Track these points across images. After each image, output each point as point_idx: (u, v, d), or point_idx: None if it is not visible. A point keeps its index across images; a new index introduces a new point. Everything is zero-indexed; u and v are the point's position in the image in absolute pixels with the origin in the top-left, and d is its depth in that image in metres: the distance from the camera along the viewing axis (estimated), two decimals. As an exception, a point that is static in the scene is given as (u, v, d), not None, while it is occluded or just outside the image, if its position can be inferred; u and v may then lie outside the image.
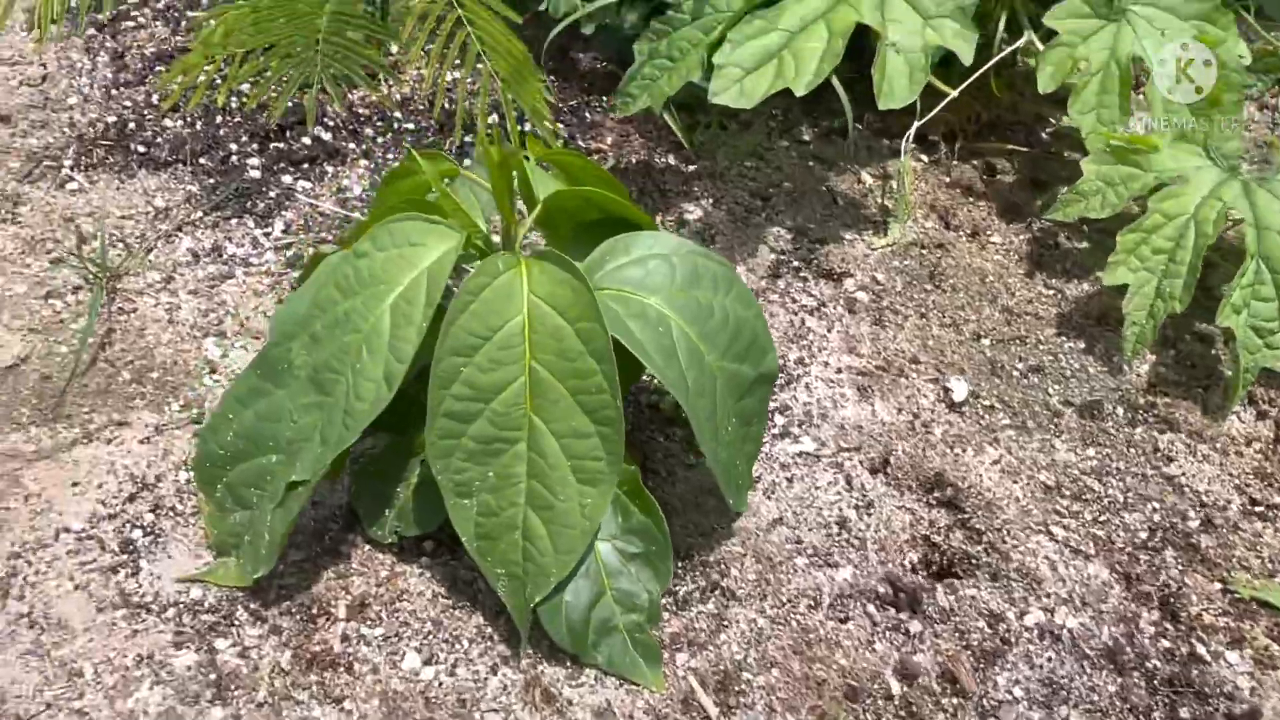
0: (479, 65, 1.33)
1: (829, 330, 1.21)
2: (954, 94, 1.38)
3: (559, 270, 0.80)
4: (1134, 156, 1.22)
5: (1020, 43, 1.40)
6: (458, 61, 1.32)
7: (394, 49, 1.64)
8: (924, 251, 1.34)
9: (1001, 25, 1.42)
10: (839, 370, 1.15)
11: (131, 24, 1.86)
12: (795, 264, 1.32)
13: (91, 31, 1.84)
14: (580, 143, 1.48)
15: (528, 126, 1.44)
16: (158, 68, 1.68)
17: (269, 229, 1.32)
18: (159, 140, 1.45)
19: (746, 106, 1.16)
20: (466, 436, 0.80)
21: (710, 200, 1.42)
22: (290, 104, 1.36)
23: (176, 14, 1.87)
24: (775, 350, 0.91)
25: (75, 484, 1.00)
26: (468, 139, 1.47)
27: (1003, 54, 1.39)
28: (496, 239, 0.92)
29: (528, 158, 0.95)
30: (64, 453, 1.04)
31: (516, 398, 0.80)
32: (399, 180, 0.98)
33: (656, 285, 0.85)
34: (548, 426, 0.80)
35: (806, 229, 1.38)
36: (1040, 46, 1.38)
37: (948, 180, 1.48)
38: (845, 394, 1.12)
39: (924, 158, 1.52)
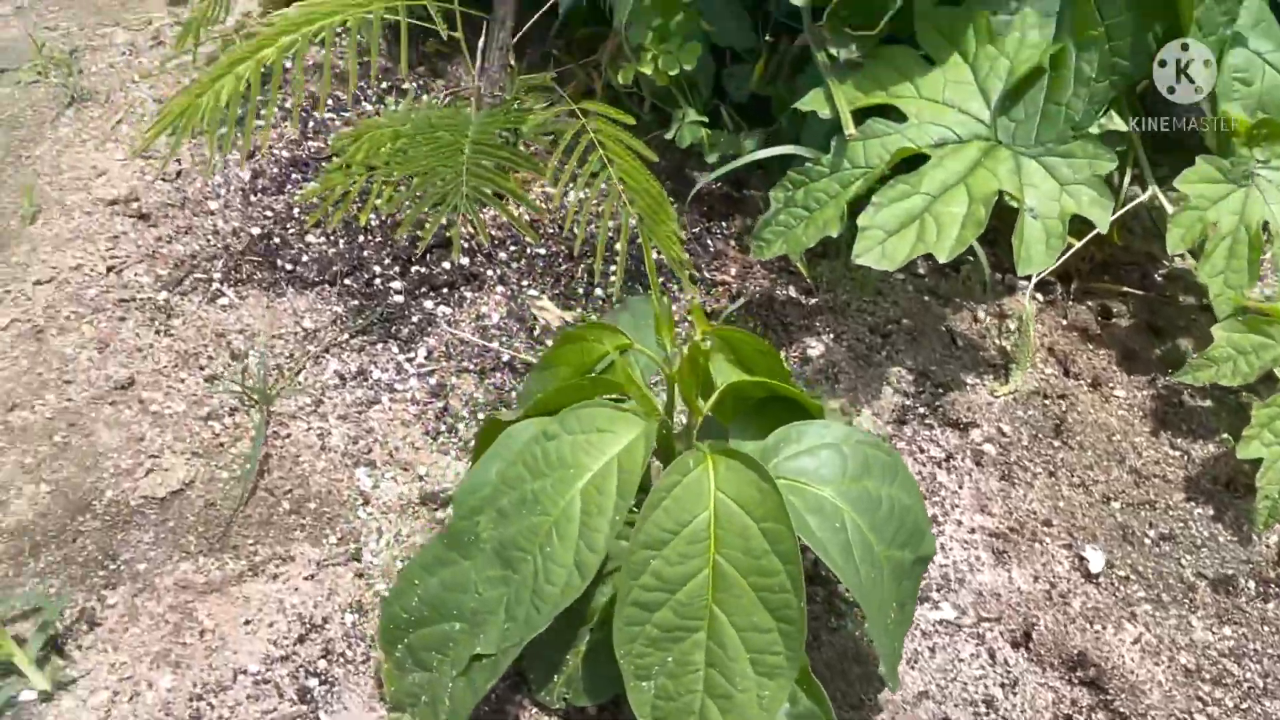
0: (611, 192, 1.38)
1: (959, 486, 1.23)
2: (1078, 245, 1.41)
3: (746, 470, 0.84)
4: (1265, 326, 1.24)
5: (1144, 197, 1.43)
6: (589, 186, 1.38)
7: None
8: (1046, 401, 1.37)
9: (1127, 179, 1.45)
10: (972, 530, 1.18)
11: (260, 122, 1.94)
12: (921, 410, 1.35)
13: (222, 129, 1.92)
14: (705, 273, 1.53)
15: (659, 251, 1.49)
16: (293, 174, 1.75)
17: (412, 354, 1.37)
18: (305, 259, 1.51)
19: (889, 269, 1.20)
20: (650, 624, 0.84)
21: (832, 335, 1.46)
22: (428, 225, 1.42)
23: (304, 113, 1.95)
24: (933, 533, 0.94)
25: (247, 621, 1.05)
26: (590, 258, 1.52)
27: (1127, 208, 1.42)
28: (674, 414, 0.96)
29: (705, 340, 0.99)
30: (233, 586, 1.09)
31: (700, 589, 0.83)
32: (570, 345, 1.02)
33: (829, 476, 0.88)
34: (728, 619, 0.83)
35: (928, 370, 1.41)
36: (1164, 199, 1.41)
37: (1064, 322, 1.51)
38: (981, 557, 1.15)
39: (1039, 297, 1.55)
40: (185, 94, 1.48)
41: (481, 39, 1.61)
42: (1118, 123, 1.45)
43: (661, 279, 1.50)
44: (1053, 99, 1.29)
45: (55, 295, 1.54)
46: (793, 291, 1.53)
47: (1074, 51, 1.28)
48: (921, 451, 1.28)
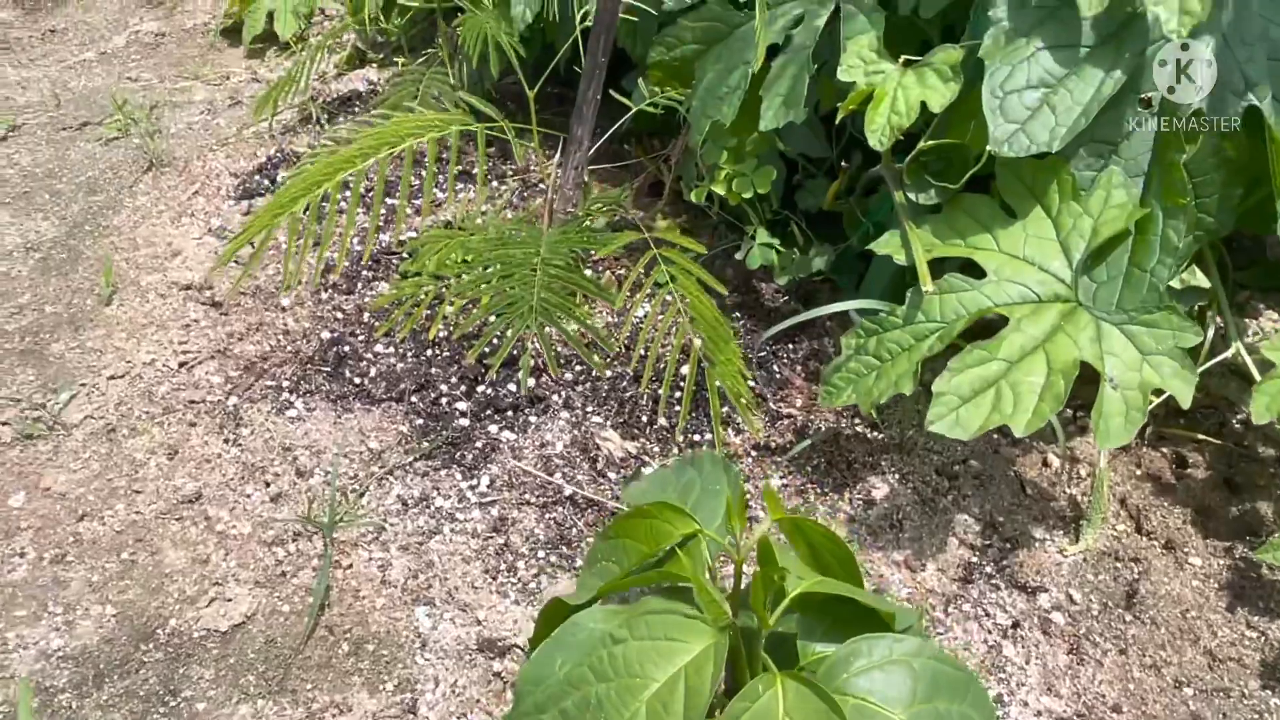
0: (681, 326, 1.37)
1: (1026, 661, 1.20)
2: (1156, 401, 1.37)
3: (815, 698, 0.82)
4: (1354, 510, 1.19)
5: (1228, 354, 1.40)
6: (657, 311, 1.37)
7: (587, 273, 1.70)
8: (1118, 565, 1.33)
9: (1209, 334, 1.41)
10: (1039, 715, 1.15)
11: (327, 203, 1.97)
12: (987, 568, 1.32)
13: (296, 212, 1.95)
14: (771, 404, 1.52)
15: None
16: (364, 272, 1.77)
17: (475, 482, 1.38)
18: (373, 373, 1.53)
19: (963, 439, 1.18)
20: (713, 847, 0.82)
21: (897, 476, 1.44)
22: (490, 346, 1.42)
23: (368, 196, 1.97)
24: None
25: (303, 779, 1.06)
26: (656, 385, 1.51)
27: (1209, 364, 1.39)
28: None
29: (776, 535, 0.98)
30: (290, 736, 1.09)
31: (764, 817, 0.82)
32: (639, 520, 1.01)
33: (898, 697, 0.86)
34: (792, 847, 0.82)
35: (996, 522, 1.38)
36: (1248, 359, 1.37)
37: (1138, 471, 1.47)
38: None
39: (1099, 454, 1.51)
40: (265, 213, 1.50)
41: (557, 156, 1.61)
42: (1200, 279, 1.42)
43: (726, 408, 1.49)
44: (1137, 263, 1.26)
45: (128, 391, 1.57)
46: (859, 426, 1.51)
47: (1161, 217, 1.25)
48: (987, 616, 1.26)
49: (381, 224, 1.90)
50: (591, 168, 1.64)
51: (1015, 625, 1.25)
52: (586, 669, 0.88)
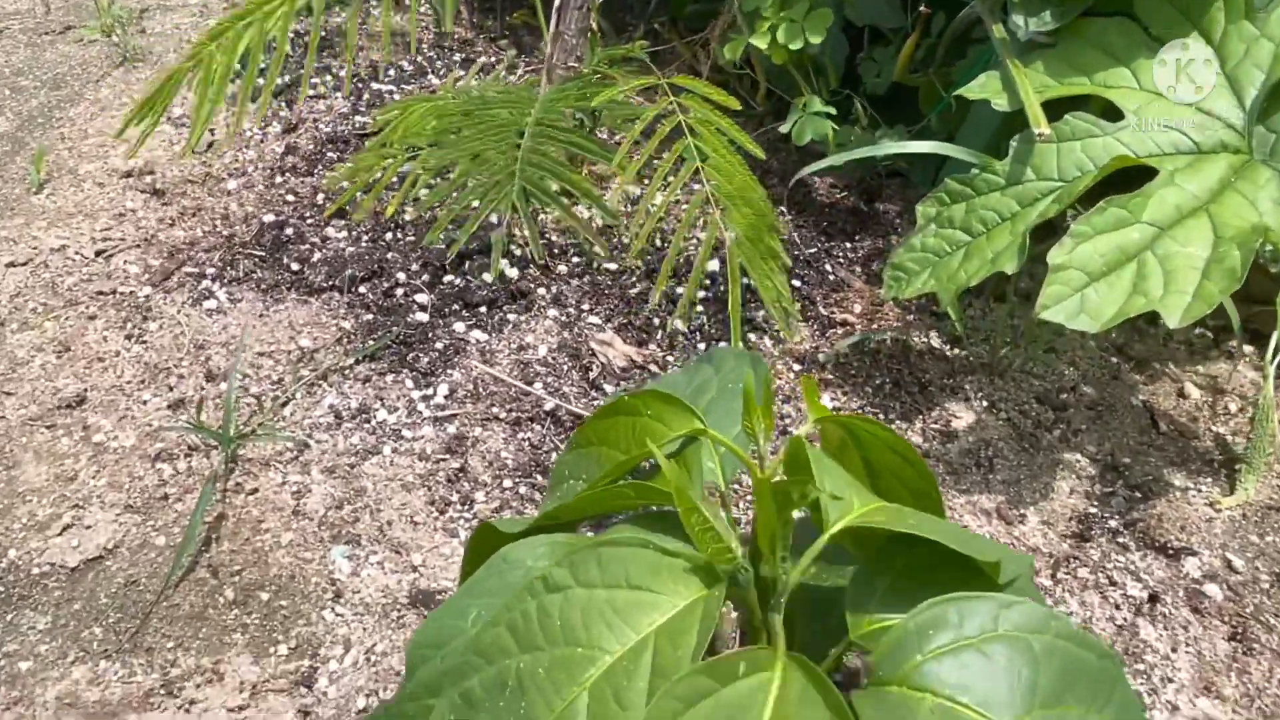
0: (699, 196, 1.04)
1: (1173, 649, 0.85)
2: (1347, 306, 1.01)
3: (824, 705, 0.49)
4: None
5: None
6: (668, 186, 1.04)
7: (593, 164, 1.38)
8: (1292, 523, 0.97)
9: None
10: (1195, 723, 0.80)
11: (311, 92, 1.67)
12: (1111, 523, 0.97)
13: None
14: (822, 309, 1.17)
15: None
16: (329, 153, 1.46)
17: (430, 392, 1.06)
18: (316, 258, 1.21)
19: (1089, 330, 0.83)
20: None
21: (985, 403, 1.09)
22: (453, 225, 1.10)
23: (359, 84, 1.67)
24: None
25: (136, 774, 0.75)
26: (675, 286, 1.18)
27: None
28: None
29: (810, 439, 0.65)
30: (131, 712, 0.79)
31: None
32: (620, 419, 0.69)
33: (1004, 697, 0.52)
34: None
35: (1120, 464, 1.03)
36: None
37: (1307, 407, 1.11)
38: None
39: (1256, 363, 1.15)
40: (194, 52, 1.19)
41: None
42: None
43: (763, 315, 1.15)
44: (1342, 99, 0.90)
45: (28, 281, 1.28)
46: (935, 340, 1.16)
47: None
48: (1114, 585, 0.91)
49: (355, 98, 1.59)
50: (606, 49, 1.31)
51: (1154, 599, 0.90)
52: (505, 630, 0.55)
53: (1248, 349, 1.16)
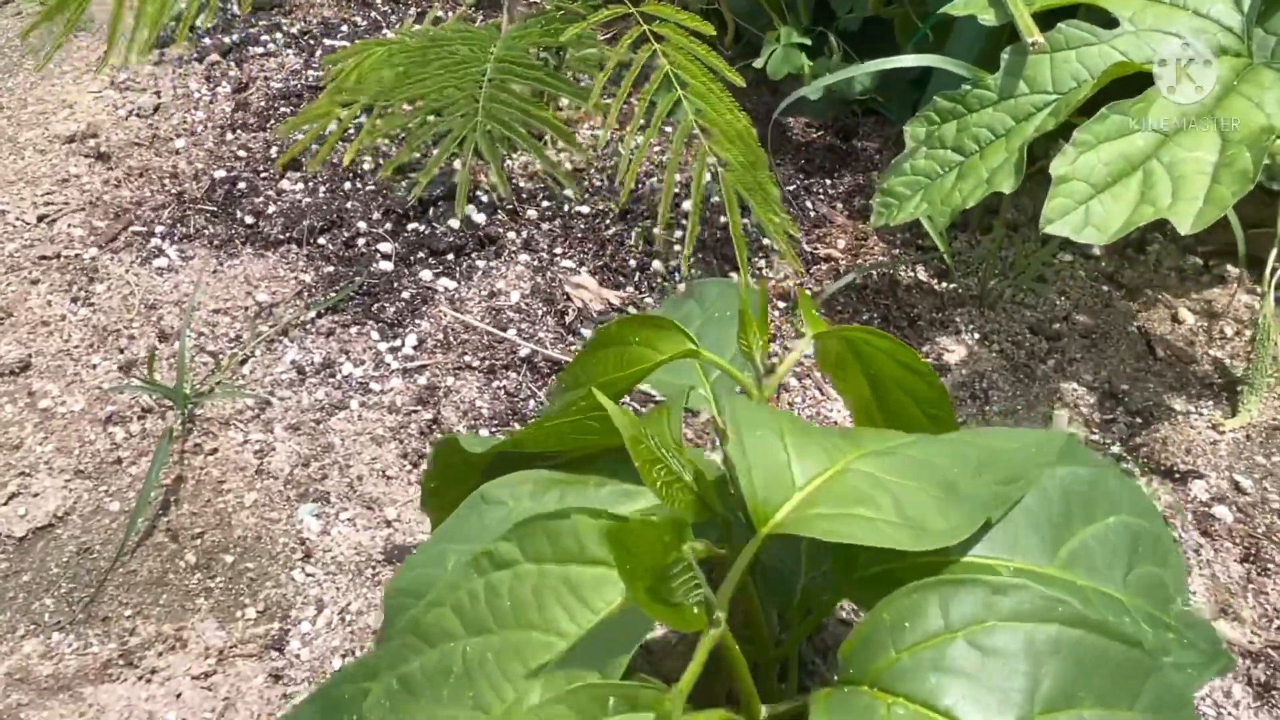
0: (681, 127, 0.99)
1: (1186, 573, 0.82)
2: (1347, 219, 0.98)
3: None
4: None
5: None
6: (648, 121, 0.99)
7: (564, 103, 1.32)
8: (1298, 443, 0.94)
9: None
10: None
11: (259, 50, 1.59)
12: (1114, 449, 0.93)
13: (215, 57, 1.58)
14: (804, 246, 1.13)
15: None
16: (282, 108, 1.40)
17: (397, 343, 1.00)
18: (271, 210, 1.15)
19: (1097, 243, 0.79)
20: None
21: (977, 335, 1.05)
22: (437, 172, 1.04)
23: (311, 41, 1.60)
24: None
25: (94, 749, 0.69)
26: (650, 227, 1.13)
27: None
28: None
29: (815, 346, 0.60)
30: (88, 685, 0.73)
31: None
32: (604, 351, 0.64)
33: (992, 700, 0.45)
34: None
35: (1118, 391, 0.99)
36: None
37: (1304, 327, 1.08)
38: (1233, 695, 0.74)
39: (1257, 289, 1.12)
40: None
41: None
42: None
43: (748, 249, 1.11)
44: (1344, -3, 0.86)
45: (-35, 249, 1.20)
46: (923, 274, 1.12)
47: (1383, -76, 0.85)
48: (1120, 513, 0.87)
49: (307, 54, 1.52)
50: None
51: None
52: (449, 612, 0.50)
53: (1235, 270, 1.13)
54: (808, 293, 1.06)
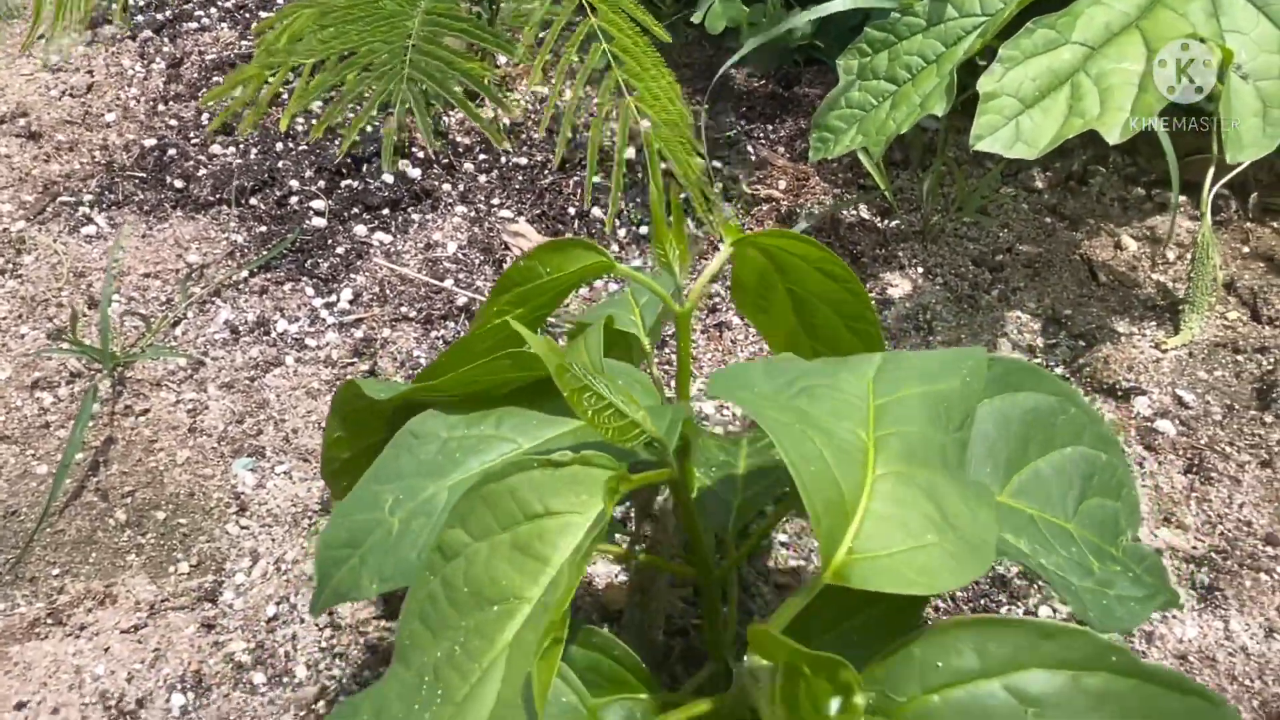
0: (607, 81, 0.98)
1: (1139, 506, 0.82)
2: None
3: None
4: None
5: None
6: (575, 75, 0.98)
7: (501, 60, 1.30)
8: (1239, 358, 0.94)
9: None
10: (1158, 553, 0.77)
11: (194, 25, 1.56)
12: (1057, 370, 0.93)
13: (148, 34, 1.55)
14: (745, 188, 1.12)
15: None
16: (215, 79, 1.37)
17: (333, 298, 0.98)
18: (201, 173, 1.13)
19: (1027, 156, 0.78)
20: None
21: (921, 270, 1.05)
22: (370, 129, 1.02)
23: (247, 14, 1.57)
24: None
25: (19, 706, 0.67)
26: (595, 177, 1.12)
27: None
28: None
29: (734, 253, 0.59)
30: (14, 644, 0.71)
31: None
32: (511, 290, 0.62)
33: None
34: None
35: (1061, 316, 0.99)
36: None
37: (1245, 250, 1.08)
38: (1180, 596, 0.74)
39: (1198, 214, 1.12)
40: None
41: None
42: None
43: (685, 197, 1.09)
44: (1265, -97, 0.86)
45: (-112, 230, 1.17)
46: (864, 211, 1.11)
47: None
48: (1064, 432, 0.87)
49: (242, 27, 1.49)
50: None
51: (1106, 440, 0.86)
52: (418, 624, 0.49)
53: (1181, 198, 1.13)
54: (727, 219, 1.05)
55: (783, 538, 0.76)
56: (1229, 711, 0.39)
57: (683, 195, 1.03)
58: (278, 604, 0.73)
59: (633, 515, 0.78)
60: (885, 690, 0.42)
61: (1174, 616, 0.72)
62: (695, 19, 1.30)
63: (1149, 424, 0.87)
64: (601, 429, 0.51)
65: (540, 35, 1.16)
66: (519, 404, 0.58)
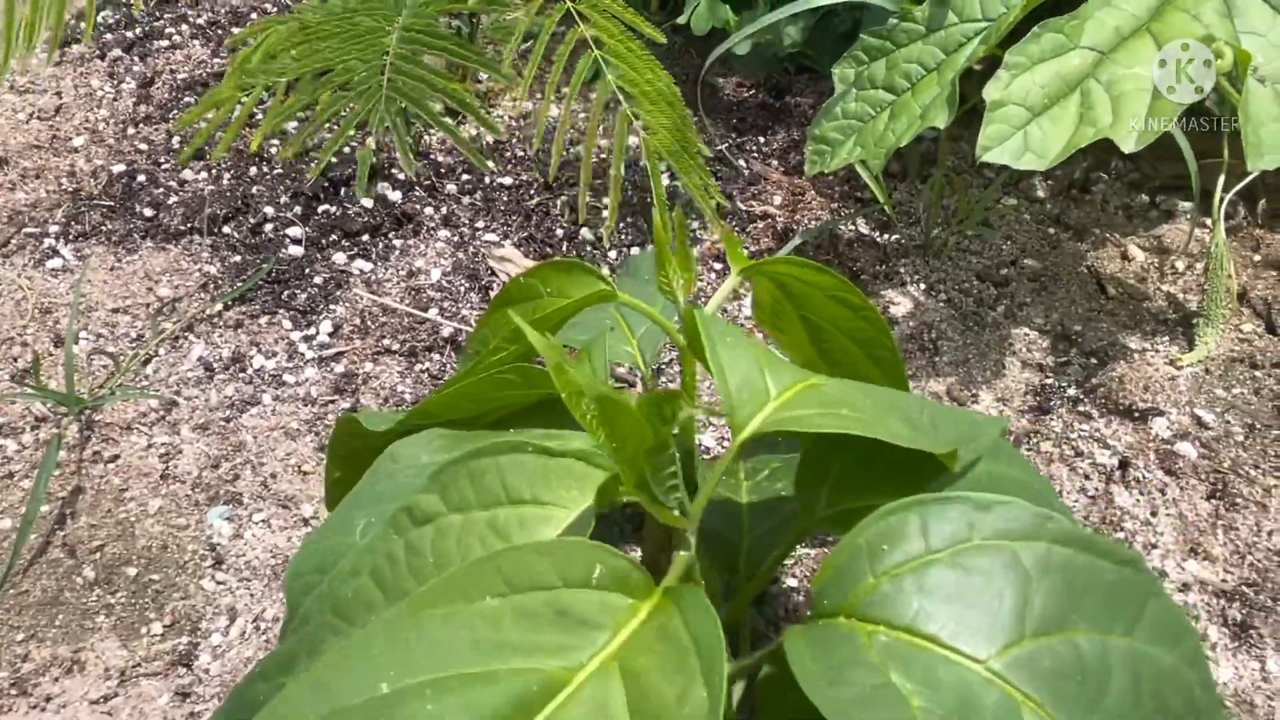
0: (600, 91, 0.94)
1: (1153, 514, 0.78)
2: None
3: (692, 652, 0.39)
4: None
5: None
6: (568, 86, 0.94)
7: (483, 75, 1.26)
8: (1258, 374, 0.91)
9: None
10: (1185, 588, 0.73)
11: (165, 43, 1.51)
12: (1070, 392, 0.89)
13: (118, 53, 1.50)
14: (739, 204, 1.08)
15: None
16: (187, 99, 1.32)
17: (311, 331, 0.94)
18: (172, 201, 1.08)
19: (1037, 168, 0.75)
20: None
21: (923, 286, 1.01)
22: (348, 150, 0.98)
23: (220, 31, 1.52)
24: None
25: (-21, 789, 0.63)
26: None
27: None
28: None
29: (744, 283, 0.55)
30: (-25, 719, 0.66)
31: None
32: (511, 306, 0.58)
33: (982, 624, 0.42)
34: None
35: (1071, 333, 0.95)
36: None
37: (1256, 258, 1.05)
38: (1210, 636, 0.70)
39: (1206, 222, 1.08)
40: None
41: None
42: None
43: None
44: (1278, -100, 0.82)
45: None
46: (863, 226, 1.08)
47: None
48: (1081, 455, 0.83)
49: (215, 44, 1.44)
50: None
51: (1125, 465, 0.82)
52: (369, 580, 0.45)
53: (1186, 206, 1.10)
54: (734, 235, 1.01)
55: (791, 582, 0.72)
56: (1153, 583, 0.43)
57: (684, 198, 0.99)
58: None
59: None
60: (838, 583, 0.43)
61: (1209, 658, 0.69)
62: (681, 20, 1.26)
63: (1169, 447, 0.84)
64: (601, 432, 0.47)
65: (524, 46, 1.12)
66: (514, 428, 0.55)
